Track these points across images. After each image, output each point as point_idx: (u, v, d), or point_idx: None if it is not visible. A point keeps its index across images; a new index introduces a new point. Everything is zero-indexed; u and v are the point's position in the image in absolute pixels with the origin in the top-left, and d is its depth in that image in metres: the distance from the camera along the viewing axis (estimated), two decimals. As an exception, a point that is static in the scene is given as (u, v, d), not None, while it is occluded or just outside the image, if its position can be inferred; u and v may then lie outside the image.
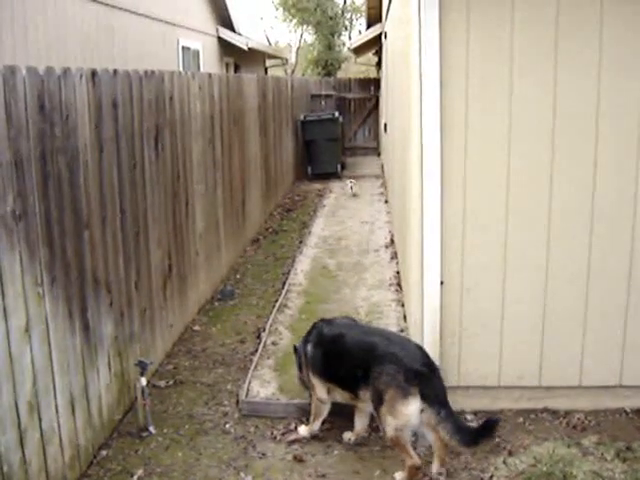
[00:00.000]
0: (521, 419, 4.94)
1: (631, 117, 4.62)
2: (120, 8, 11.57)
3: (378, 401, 4.03)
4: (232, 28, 19.05)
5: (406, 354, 4.12)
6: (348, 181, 14.84)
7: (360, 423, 4.74)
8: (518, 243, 4.82)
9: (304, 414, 4.95)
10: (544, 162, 4.71)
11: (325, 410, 4.77)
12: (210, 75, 8.06)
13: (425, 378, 4.00)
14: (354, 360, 4.31)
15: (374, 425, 4.75)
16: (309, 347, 4.69)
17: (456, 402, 4.90)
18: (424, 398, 3.96)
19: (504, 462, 4.40)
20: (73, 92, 4.27)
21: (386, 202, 13.12)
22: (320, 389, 4.66)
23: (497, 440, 4.63)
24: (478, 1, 4.57)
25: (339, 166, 17.10)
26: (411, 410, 3.91)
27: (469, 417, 4.96)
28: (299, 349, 4.94)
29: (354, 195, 14.20)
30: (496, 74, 4.65)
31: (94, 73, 4.59)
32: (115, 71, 4.97)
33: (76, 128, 4.32)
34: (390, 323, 6.66)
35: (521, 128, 4.69)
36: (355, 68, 34.28)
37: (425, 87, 4.65)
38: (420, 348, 4.31)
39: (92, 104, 4.56)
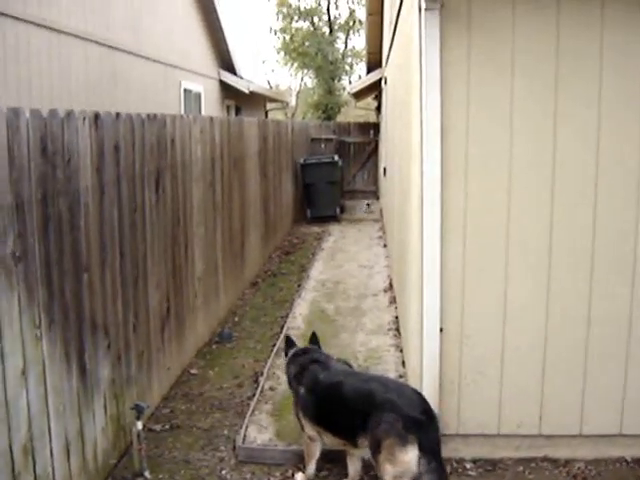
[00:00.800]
0: (521, 468, 4.89)
1: (631, 163, 4.66)
2: (123, 50, 11.70)
3: (376, 449, 3.98)
4: (234, 71, 19.26)
5: (404, 401, 4.09)
6: (365, 202, 18.46)
7: (353, 467, 4.69)
8: (518, 290, 4.82)
9: (301, 461, 4.89)
10: (544, 209, 4.72)
11: (317, 449, 4.72)
12: (212, 119, 8.11)
13: (424, 426, 3.97)
14: (351, 409, 4.27)
15: (371, 474, 4.70)
16: (302, 390, 4.64)
17: (456, 450, 4.89)
18: (420, 446, 3.92)
19: (504, 512, 4.35)
20: (76, 135, 4.30)
21: (385, 246, 13.13)
22: (310, 429, 4.62)
23: (497, 489, 4.59)
24: (478, 49, 4.63)
25: (338, 209, 17.14)
26: (410, 458, 3.86)
27: (468, 465, 4.91)
28: (290, 380, 4.92)
29: (371, 212, 16.71)
30: (497, 119, 4.69)
31: (97, 116, 4.63)
32: (118, 114, 5.00)
33: (78, 171, 4.33)
34: (389, 369, 6.62)
35: (521, 177, 4.72)
36: (354, 112, 34.49)
37: (426, 133, 4.68)
38: (418, 394, 4.28)
39: (94, 147, 4.58)
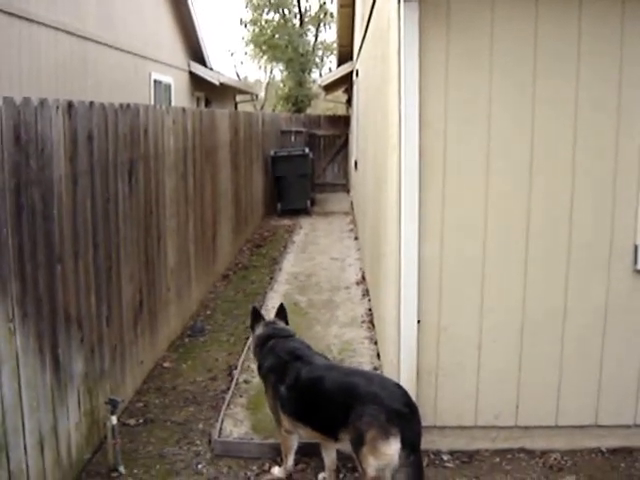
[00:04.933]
0: (498, 459, 4.90)
1: (608, 162, 4.68)
2: (93, 40, 11.55)
3: (359, 441, 3.95)
4: (204, 63, 19.13)
5: (387, 394, 4.06)
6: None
7: (329, 458, 4.66)
8: (495, 282, 4.82)
9: (278, 454, 4.85)
10: (522, 202, 4.73)
11: (295, 442, 4.68)
12: (184, 109, 8.03)
13: (406, 419, 3.94)
14: (334, 403, 4.22)
15: (349, 466, 4.68)
16: (282, 388, 4.54)
17: (432, 442, 4.89)
18: (402, 439, 3.90)
19: (482, 504, 4.35)
20: (49, 124, 4.21)
21: (356, 239, 13.12)
22: (288, 423, 4.57)
23: (474, 481, 4.60)
24: (456, 41, 4.61)
25: (309, 202, 17.11)
26: (393, 450, 3.83)
27: (445, 457, 4.91)
28: (262, 368, 4.84)
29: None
30: (475, 112, 4.68)
31: (70, 105, 4.54)
32: (91, 103, 4.91)
33: (51, 160, 4.25)
34: (363, 361, 6.61)
35: (499, 168, 4.72)
36: (323, 105, 34.54)
37: (404, 127, 4.65)
38: (400, 387, 4.25)
39: (68, 136, 4.49)
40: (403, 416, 3.95)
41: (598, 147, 4.69)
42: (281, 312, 5.22)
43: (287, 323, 5.20)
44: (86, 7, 11.30)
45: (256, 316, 5.13)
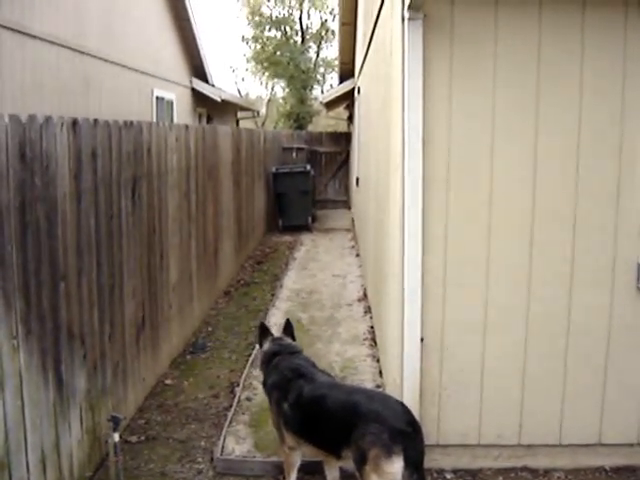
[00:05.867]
0: (501, 478, 4.89)
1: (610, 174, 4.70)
2: (95, 56, 11.60)
3: (362, 460, 3.94)
4: (206, 79, 19.19)
5: (390, 413, 4.05)
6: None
7: (331, 476, 4.67)
8: (498, 301, 4.82)
9: (281, 472, 4.84)
10: (526, 220, 4.73)
11: (298, 459, 4.67)
12: (187, 127, 8.05)
13: (409, 437, 3.94)
14: (336, 421, 4.22)
15: (352, 484, 4.66)
16: (285, 405, 4.55)
17: (435, 461, 4.87)
18: (405, 458, 3.89)
19: (485, 523, 4.33)
20: (54, 141, 4.23)
21: (357, 255, 13.12)
22: (291, 440, 4.57)
23: (477, 500, 4.58)
24: (460, 59, 4.64)
25: (310, 219, 17.13)
26: (396, 469, 3.83)
27: (449, 476, 4.89)
28: (267, 384, 4.84)
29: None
30: (478, 132, 4.69)
31: (75, 122, 4.55)
32: (95, 121, 4.93)
33: (55, 178, 4.26)
34: (365, 379, 6.59)
35: (502, 189, 4.73)
36: (324, 121, 34.65)
37: (407, 144, 4.67)
38: (403, 405, 4.24)
39: (72, 154, 4.51)
40: (406, 434, 3.94)
41: (602, 165, 4.70)
42: (288, 328, 5.25)
43: (294, 339, 5.21)
44: (88, 24, 11.35)
45: (263, 332, 5.16)
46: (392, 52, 5.18)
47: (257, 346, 5.21)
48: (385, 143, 6.10)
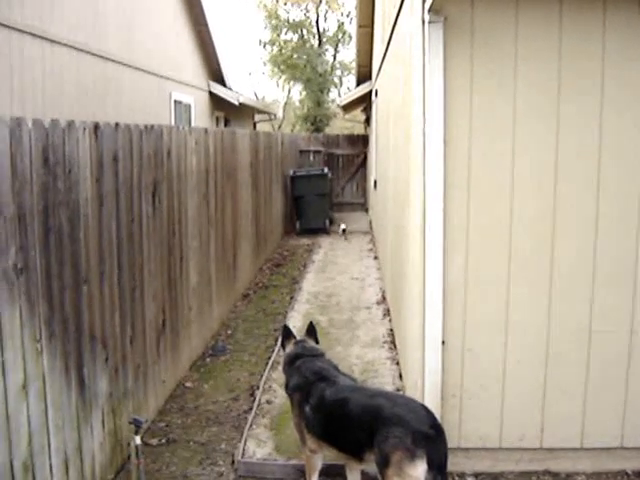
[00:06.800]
0: (522, 482, 4.87)
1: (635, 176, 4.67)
2: (114, 61, 11.66)
3: (384, 464, 3.93)
4: (223, 83, 19.25)
5: (413, 416, 4.04)
6: (342, 225, 15.76)
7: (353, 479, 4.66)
8: (520, 303, 4.80)
9: (302, 475, 4.84)
10: (547, 222, 4.71)
11: (319, 462, 4.68)
12: (206, 130, 8.08)
13: (432, 441, 3.92)
14: (359, 424, 4.21)
15: (373, 487, 4.66)
16: (307, 408, 4.55)
17: (457, 464, 4.85)
18: (428, 461, 3.88)
19: (508, 527, 4.31)
20: (76, 145, 4.26)
21: (375, 258, 13.11)
22: (312, 443, 4.57)
23: (499, 504, 4.56)
24: (480, 61, 4.63)
25: (327, 221, 17.13)
26: (419, 473, 3.81)
27: (470, 479, 4.87)
28: (290, 387, 4.85)
29: (346, 239, 14.30)
30: (500, 132, 4.68)
31: (97, 126, 4.58)
32: (117, 125, 4.96)
33: (78, 182, 4.29)
34: (385, 382, 6.58)
35: (523, 191, 4.71)
36: (341, 124, 34.63)
37: (428, 147, 4.67)
38: (426, 408, 4.23)
39: (94, 158, 4.54)
40: (429, 438, 3.93)
41: (625, 154, 4.68)
42: (311, 330, 5.25)
43: (317, 342, 5.21)
44: (108, 29, 11.42)
45: (287, 334, 5.18)
46: (412, 54, 5.17)
47: (280, 348, 5.19)
48: (405, 145, 6.09)
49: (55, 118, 4.01)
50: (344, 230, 15.37)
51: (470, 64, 4.62)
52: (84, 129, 4.38)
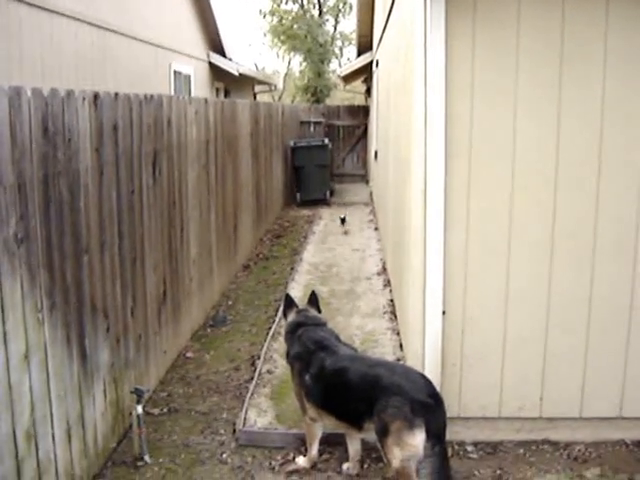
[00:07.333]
0: (522, 450, 4.89)
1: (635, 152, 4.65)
2: (113, 31, 11.55)
3: (383, 433, 3.96)
4: (223, 53, 19.09)
5: (412, 385, 4.06)
6: (341, 215, 13.80)
7: (353, 448, 4.69)
8: (520, 273, 4.80)
9: (302, 444, 4.87)
10: (547, 194, 4.71)
11: (319, 430, 4.71)
12: (206, 100, 8.04)
13: (431, 410, 3.95)
14: (358, 393, 4.24)
15: (374, 456, 4.69)
16: (307, 377, 4.57)
17: (456, 433, 4.88)
18: (427, 430, 3.91)
19: (507, 495, 4.35)
20: (76, 115, 4.23)
21: (376, 229, 13.10)
22: (312, 411, 4.60)
23: (499, 472, 4.60)
24: (482, 33, 4.59)
25: (328, 193, 17.10)
26: (418, 441, 3.84)
27: (469, 448, 4.91)
28: (290, 355, 4.87)
29: (345, 233, 13.04)
30: (501, 104, 4.65)
31: (96, 96, 4.55)
32: (116, 94, 4.93)
33: (78, 151, 4.27)
34: (386, 352, 6.61)
35: (524, 163, 4.69)
36: (341, 95, 34.44)
37: (430, 118, 4.64)
38: (425, 378, 4.25)
39: (93, 127, 4.51)
40: (428, 407, 3.95)
41: (627, 128, 4.66)
42: (313, 300, 5.25)
43: (319, 311, 5.22)
44: (106, -2, 11.32)
45: (289, 303, 5.17)
46: (413, 24, 5.12)
47: (281, 318, 5.20)
48: (406, 116, 6.06)
49: (54, 87, 3.98)
50: (343, 220, 13.54)
51: (472, 33, 4.58)
52: (83, 98, 4.35)
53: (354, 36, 22.50)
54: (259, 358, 6.57)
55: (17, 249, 3.54)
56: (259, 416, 5.38)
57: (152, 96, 5.78)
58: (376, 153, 14.16)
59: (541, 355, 4.87)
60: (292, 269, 10.27)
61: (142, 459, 4.80)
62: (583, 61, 4.59)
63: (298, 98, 35.60)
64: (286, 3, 34.80)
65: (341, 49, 37.17)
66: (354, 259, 10.82)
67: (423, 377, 4.27)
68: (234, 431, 5.22)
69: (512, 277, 4.80)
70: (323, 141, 17.15)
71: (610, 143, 4.65)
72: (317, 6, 35.36)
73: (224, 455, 4.92)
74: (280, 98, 38.46)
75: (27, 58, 8.52)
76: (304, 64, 35.34)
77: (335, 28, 36.43)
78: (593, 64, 4.58)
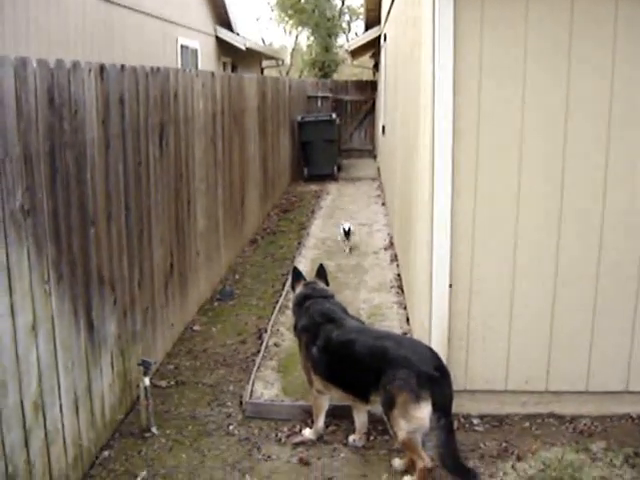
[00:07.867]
0: (528, 424, 4.90)
1: None
2: (120, 4, 11.51)
3: (389, 405, 3.97)
4: (230, 28, 19.02)
5: (418, 358, 4.07)
6: (344, 224, 9.90)
7: (360, 421, 4.71)
8: (527, 247, 4.78)
9: (309, 416, 4.89)
10: (556, 163, 4.67)
11: (326, 402, 4.73)
12: (213, 74, 8.01)
13: (437, 382, 3.96)
14: (365, 366, 4.24)
15: (380, 428, 4.71)
16: (314, 349, 4.58)
17: (463, 406, 4.90)
18: (433, 403, 3.92)
19: (513, 467, 4.36)
20: (82, 86, 4.21)
21: (383, 204, 13.08)
22: (319, 383, 4.61)
23: (504, 445, 4.60)
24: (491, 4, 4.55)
25: (335, 168, 17.04)
26: (424, 414, 3.86)
27: (475, 421, 4.92)
28: (298, 327, 4.88)
29: (350, 250, 9.77)
30: (510, 79, 4.61)
31: (102, 68, 4.53)
32: (123, 66, 4.91)
33: (84, 123, 4.25)
34: (393, 325, 6.61)
35: (533, 135, 4.66)
36: (349, 70, 34.28)
37: (438, 90, 4.61)
38: (431, 351, 4.26)
39: (100, 99, 4.49)
40: (434, 380, 3.96)
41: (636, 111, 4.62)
42: (321, 272, 5.25)
43: (327, 284, 5.21)
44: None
45: (297, 276, 5.18)
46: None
47: (288, 291, 5.20)
48: (414, 90, 6.02)
49: (60, 59, 3.96)
50: (348, 233, 9.71)
51: (481, 5, 4.53)
52: (90, 70, 4.33)
53: (362, 10, 22.34)
54: (266, 331, 6.59)
55: (24, 221, 3.54)
56: (266, 388, 5.40)
57: (159, 68, 5.75)
58: (384, 128, 14.11)
59: (547, 329, 4.86)
60: (299, 243, 10.27)
61: (149, 431, 4.83)
62: (591, 38, 4.54)
63: (305, 73, 35.42)
64: (293, -23, 34.56)
65: (349, 23, 36.97)
66: (361, 234, 10.79)
67: (430, 350, 4.28)
68: (241, 403, 5.25)
69: (519, 251, 4.77)
70: (331, 116, 17.07)
71: (618, 113, 4.60)
72: (325, -21, 35.08)
73: (231, 427, 4.95)
74: (288, 73, 38.29)
75: (34, 30, 8.51)
76: (311, 39, 35.12)
77: (343, 2, 36.21)
78: (601, 41, 4.53)
